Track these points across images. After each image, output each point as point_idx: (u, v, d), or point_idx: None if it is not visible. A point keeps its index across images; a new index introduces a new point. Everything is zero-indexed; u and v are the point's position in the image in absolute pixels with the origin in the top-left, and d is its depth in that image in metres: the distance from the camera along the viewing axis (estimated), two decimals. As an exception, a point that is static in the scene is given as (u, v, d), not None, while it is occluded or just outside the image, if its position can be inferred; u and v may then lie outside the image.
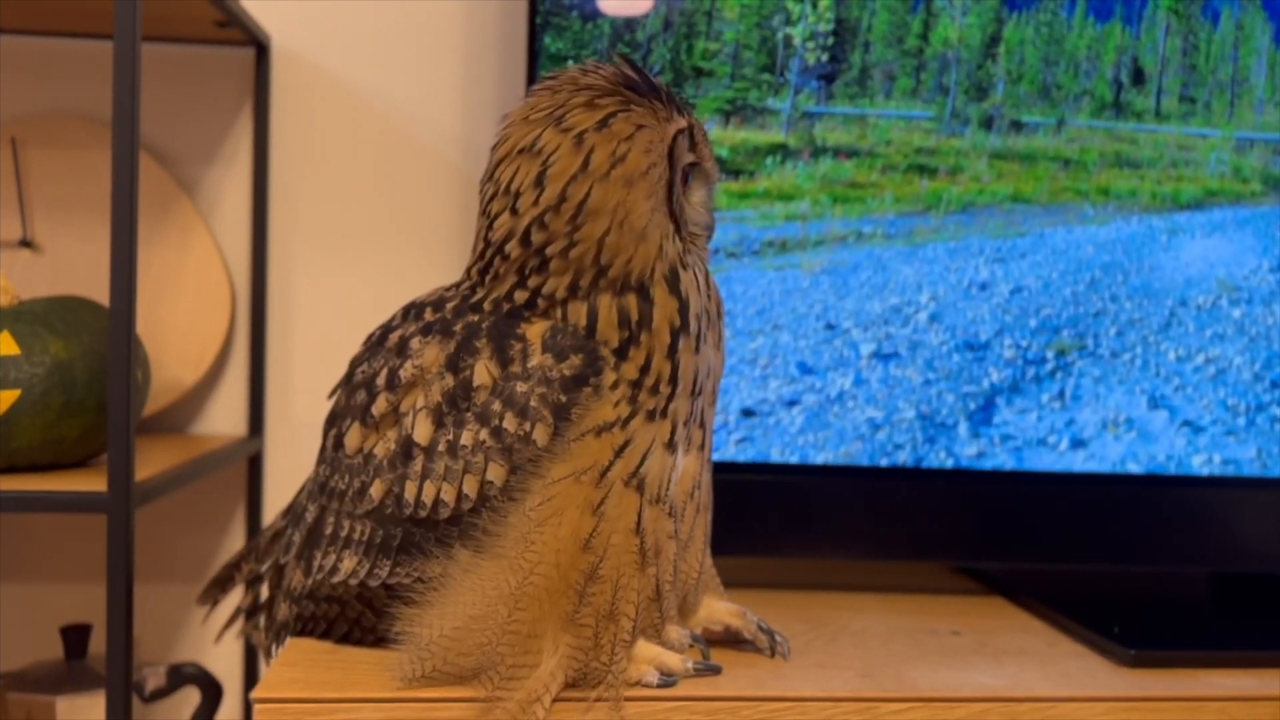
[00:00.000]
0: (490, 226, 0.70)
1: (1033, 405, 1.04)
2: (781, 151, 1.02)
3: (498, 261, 0.70)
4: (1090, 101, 1.04)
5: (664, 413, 0.70)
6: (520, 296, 0.70)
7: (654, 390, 0.69)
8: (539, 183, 0.68)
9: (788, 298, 1.02)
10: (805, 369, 1.02)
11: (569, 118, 0.68)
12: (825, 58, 1.01)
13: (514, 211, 0.69)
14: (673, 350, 0.70)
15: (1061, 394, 1.04)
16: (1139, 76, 1.05)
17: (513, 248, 0.69)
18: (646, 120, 0.69)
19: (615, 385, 0.69)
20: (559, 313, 0.70)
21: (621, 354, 0.69)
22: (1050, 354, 1.04)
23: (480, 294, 0.72)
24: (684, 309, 0.70)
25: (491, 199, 0.70)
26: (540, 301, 0.70)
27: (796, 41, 1.01)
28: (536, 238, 0.69)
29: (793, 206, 1.02)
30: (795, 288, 1.02)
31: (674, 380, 0.70)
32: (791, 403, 1.02)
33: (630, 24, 0.99)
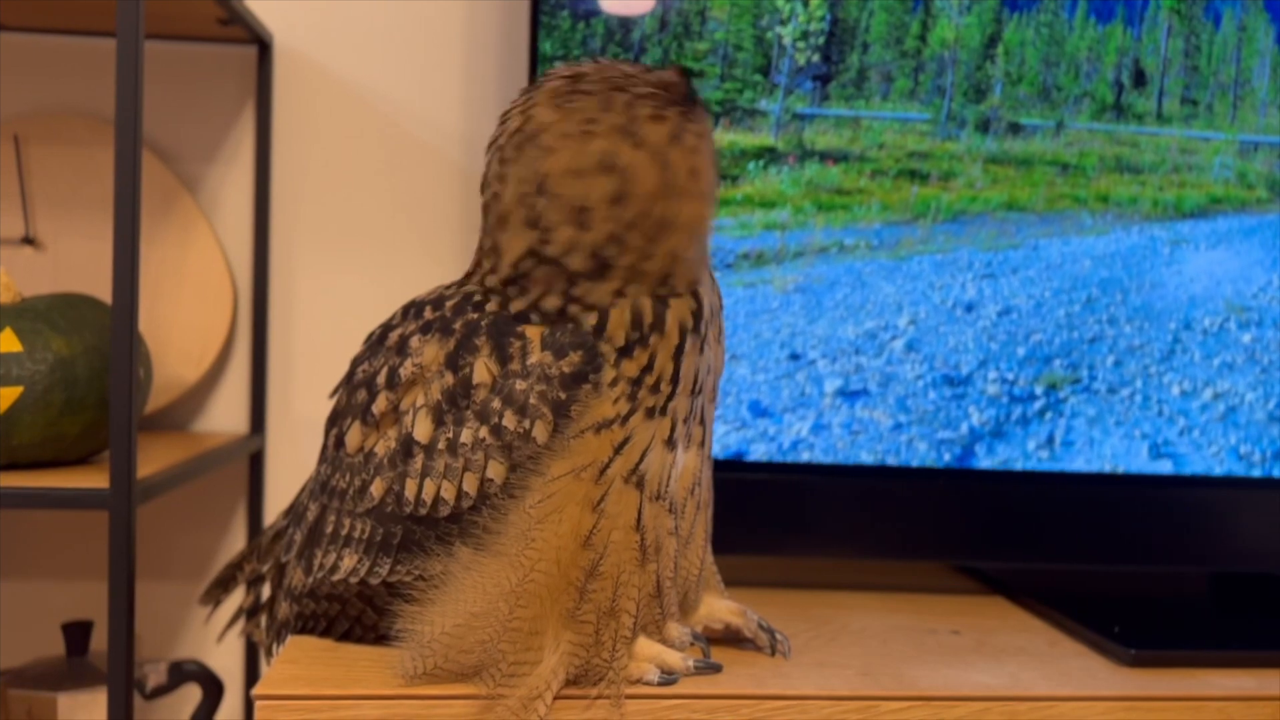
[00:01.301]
0: (546, 240, 0.68)
1: (1017, 454, 0.98)
2: (767, 155, 0.97)
3: (541, 272, 0.69)
4: (1091, 104, 1.01)
5: (664, 410, 0.70)
6: (551, 303, 0.69)
7: (655, 388, 0.69)
8: (618, 199, 0.67)
9: (753, 320, 0.96)
10: (758, 410, 0.96)
11: (641, 131, 0.67)
12: (817, 58, 0.98)
13: (583, 226, 0.68)
14: (679, 351, 0.70)
15: (1050, 440, 0.98)
16: (1140, 78, 1.02)
17: (577, 260, 0.68)
18: (705, 128, 0.70)
19: (615, 382, 0.69)
20: (581, 316, 0.69)
21: (626, 352, 0.69)
22: (1039, 390, 0.97)
23: (494, 303, 0.71)
24: (698, 312, 0.71)
25: (543, 212, 0.68)
26: (572, 307, 0.69)
27: (787, 41, 0.97)
28: (610, 252, 0.68)
29: (773, 215, 0.96)
30: (763, 308, 0.96)
31: (675, 379, 0.70)
32: (736, 458, 0.96)
33: (625, 24, 0.99)
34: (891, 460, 0.99)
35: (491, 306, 0.71)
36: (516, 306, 0.70)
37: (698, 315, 0.71)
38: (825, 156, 0.98)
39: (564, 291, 0.69)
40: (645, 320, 0.69)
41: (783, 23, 0.98)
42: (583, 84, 0.69)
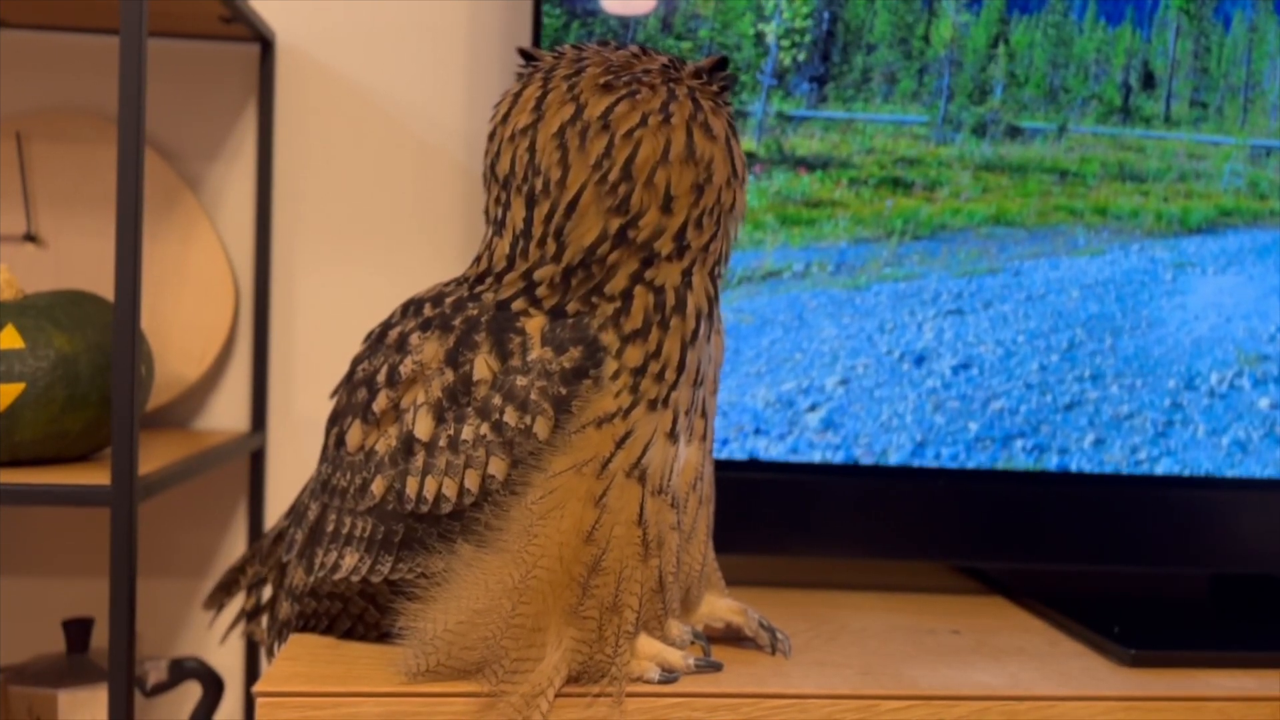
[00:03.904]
0: (632, 225, 0.68)
1: None
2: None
3: (616, 255, 0.69)
4: (1097, 106, 0.96)
5: (665, 402, 0.70)
6: (618, 286, 0.70)
7: (659, 377, 0.69)
8: (699, 187, 0.69)
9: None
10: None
11: (711, 122, 0.69)
12: (803, 56, 0.92)
13: (667, 212, 0.69)
14: (694, 336, 0.70)
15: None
16: (1149, 80, 0.96)
17: (663, 243, 0.69)
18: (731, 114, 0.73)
19: (616, 375, 0.69)
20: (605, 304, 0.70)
21: (635, 336, 0.69)
22: (992, 489, 0.80)
23: (521, 300, 0.71)
24: (714, 297, 0.72)
25: (631, 199, 0.68)
26: (595, 299, 0.69)
27: (770, 40, 0.92)
28: (689, 235, 0.69)
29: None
30: None
31: (680, 366, 0.70)
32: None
33: (627, 24, 0.99)
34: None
35: (519, 304, 0.70)
36: (577, 292, 0.70)
37: (712, 301, 0.72)
38: (800, 164, 0.91)
39: (635, 274, 0.69)
40: (668, 303, 0.69)
41: (765, 19, 0.93)
42: (622, 73, 0.69)
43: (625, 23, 0.98)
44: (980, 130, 0.95)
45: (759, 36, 0.94)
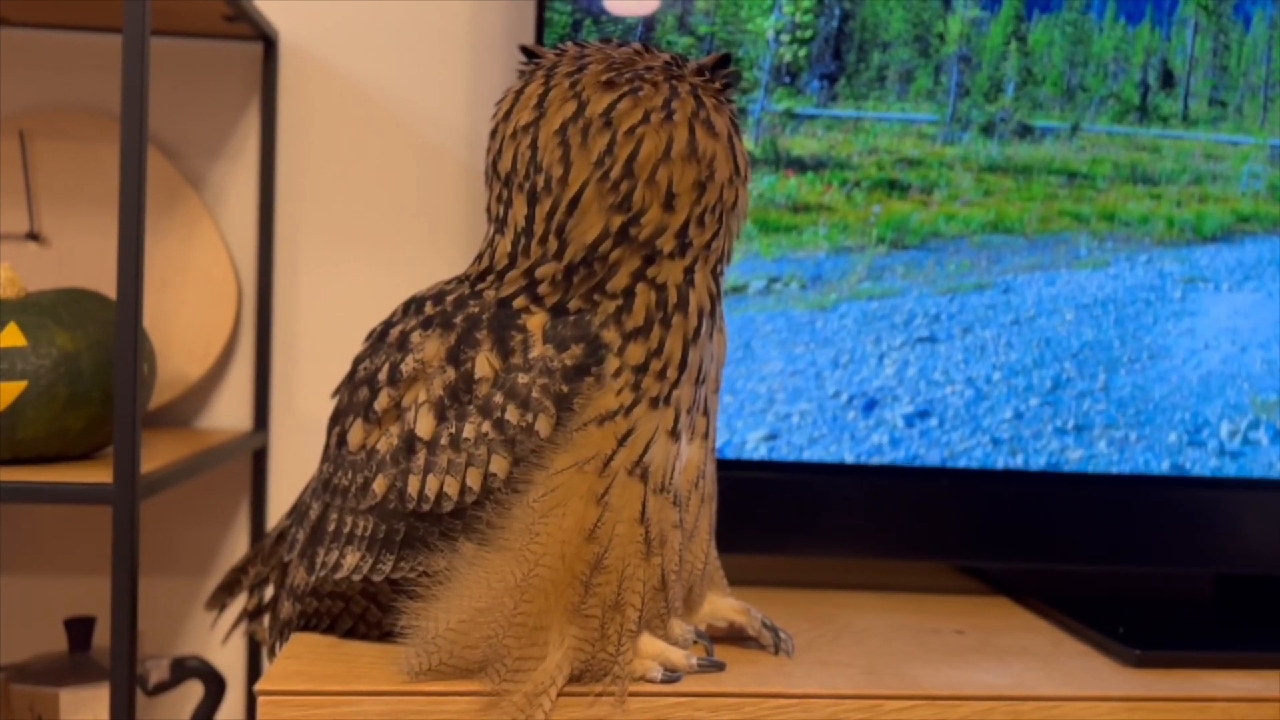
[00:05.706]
0: (634, 223, 0.68)
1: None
2: None
3: (618, 253, 0.69)
4: (1114, 105, 0.92)
5: (667, 400, 0.70)
6: (620, 284, 0.69)
7: (661, 374, 0.69)
8: (701, 184, 0.69)
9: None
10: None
11: (714, 119, 0.69)
12: (804, 53, 0.89)
13: (669, 209, 0.69)
14: (696, 334, 0.70)
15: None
16: (1168, 79, 0.93)
17: (665, 241, 0.69)
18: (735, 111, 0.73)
19: (618, 372, 0.69)
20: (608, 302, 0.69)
21: (637, 334, 0.69)
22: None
23: (522, 298, 0.71)
24: (716, 295, 0.72)
25: (633, 197, 0.68)
26: (596, 296, 0.69)
27: (769, 35, 0.88)
28: (691, 232, 0.69)
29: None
30: None
31: (682, 364, 0.70)
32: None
33: (629, 24, 0.99)
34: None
35: (521, 302, 0.70)
36: (579, 290, 0.69)
37: (714, 299, 0.72)
38: (791, 165, 0.86)
39: (637, 271, 0.69)
40: (670, 301, 0.69)
41: (764, 14, 0.90)
42: (625, 70, 0.69)
43: (628, 22, 0.98)
44: (989, 129, 0.91)
45: (764, 32, 0.92)
